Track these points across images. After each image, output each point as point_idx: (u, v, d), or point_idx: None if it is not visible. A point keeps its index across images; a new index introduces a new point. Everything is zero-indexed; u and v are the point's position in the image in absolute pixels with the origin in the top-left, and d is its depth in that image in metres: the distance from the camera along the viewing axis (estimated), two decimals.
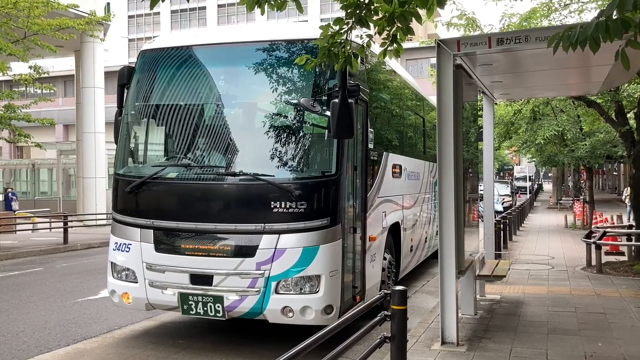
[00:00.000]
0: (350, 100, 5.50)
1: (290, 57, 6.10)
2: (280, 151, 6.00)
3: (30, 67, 16.92)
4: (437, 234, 11.33)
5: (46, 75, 17.74)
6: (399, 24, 4.44)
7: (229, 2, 63.57)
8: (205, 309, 5.82)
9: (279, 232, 5.68)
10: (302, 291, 5.65)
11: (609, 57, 3.32)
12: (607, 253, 12.02)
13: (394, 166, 8.07)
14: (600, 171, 49.73)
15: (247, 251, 5.74)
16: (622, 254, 12.21)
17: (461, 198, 6.18)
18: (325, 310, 5.64)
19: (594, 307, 7.57)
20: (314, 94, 5.88)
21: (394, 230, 8.06)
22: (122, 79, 6.66)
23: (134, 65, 6.80)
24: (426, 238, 10.75)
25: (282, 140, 6.03)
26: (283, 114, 6.16)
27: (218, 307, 5.77)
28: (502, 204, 27.96)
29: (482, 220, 8.89)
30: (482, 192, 8.95)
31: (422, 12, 4.58)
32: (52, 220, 20.17)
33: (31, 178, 35.01)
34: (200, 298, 5.84)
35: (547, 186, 62.96)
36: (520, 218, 21.23)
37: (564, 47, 3.13)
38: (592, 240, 10.88)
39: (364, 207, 6.52)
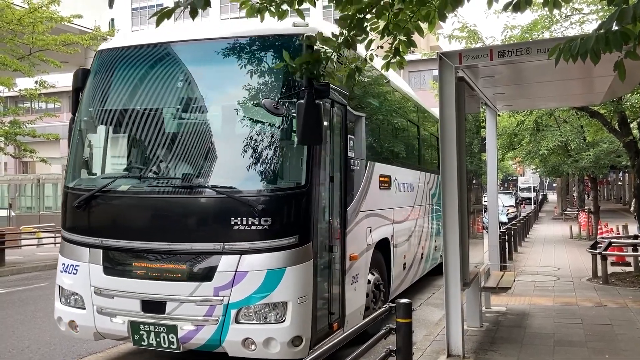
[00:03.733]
0: (318, 102, 4.85)
1: (254, 54, 5.47)
2: (241, 160, 5.32)
3: (36, 82, 17.08)
4: (435, 249, 10.89)
5: (52, 88, 17.85)
6: (400, 37, 4.50)
7: None
8: (158, 339, 5.16)
9: (240, 252, 4.99)
10: (266, 320, 4.96)
11: (611, 67, 3.34)
12: (613, 264, 11.96)
13: (382, 177, 7.40)
14: (605, 181, 49.60)
15: (203, 274, 5.08)
16: (628, 264, 12.14)
17: (465, 209, 6.16)
18: (292, 342, 4.96)
19: (600, 318, 7.52)
20: (280, 95, 5.20)
21: (383, 247, 7.35)
22: (77, 82, 6.03)
23: (89, 68, 6.16)
24: (423, 254, 10.00)
25: (244, 148, 5.33)
26: (246, 119, 5.50)
27: (172, 337, 5.10)
28: (507, 215, 27.93)
29: (487, 232, 8.87)
30: (486, 203, 8.95)
31: (423, 25, 4.63)
32: (57, 235, 20.22)
33: (36, 193, 35.14)
34: (152, 327, 5.17)
35: (552, 196, 62.78)
36: (525, 229, 21.16)
37: (565, 58, 3.16)
38: (597, 251, 10.84)
39: (342, 223, 5.85)
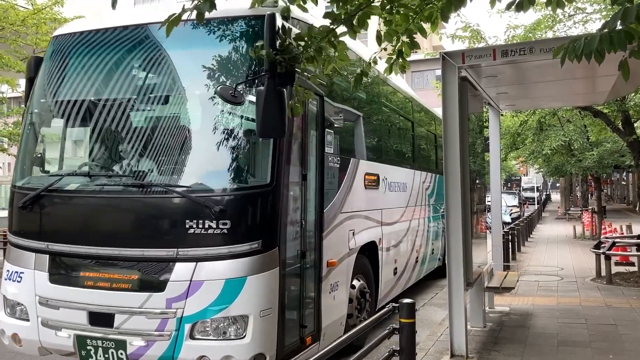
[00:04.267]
0: (280, 89, 4.26)
1: (214, 38, 4.93)
2: (197, 156, 4.86)
3: None
4: (433, 252, 10.55)
5: None
6: (403, 39, 4.48)
7: None
8: (107, 356, 4.65)
9: (196, 259, 4.47)
10: (225, 336, 4.43)
11: (615, 67, 3.34)
12: (617, 263, 11.93)
13: (368, 176, 6.90)
14: (608, 181, 49.48)
15: (155, 284, 4.55)
16: (632, 264, 12.10)
17: (468, 209, 6.16)
18: None
19: (604, 318, 7.51)
20: (240, 81, 4.65)
21: (370, 251, 6.89)
22: (30, 71, 5.52)
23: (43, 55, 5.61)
24: (418, 258, 9.48)
25: (201, 142, 4.87)
26: (203, 109, 4.98)
27: (121, 354, 4.60)
28: (510, 215, 27.86)
29: (490, 232, 8.85)
30: (489, 203, 8.93)
31: (426, 25, 4.62)
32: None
33: None
34: (99, 342, 4.65)
35: (555, 196, 62.66)
36: (528, 229, 21.12)
37: (570, 58, 3.15)
38: (601, 251, 10.82)
39: (318, 225, 5.35)
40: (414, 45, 4.62)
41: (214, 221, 4.44)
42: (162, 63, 5.03)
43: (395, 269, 8.09)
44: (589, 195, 32.14)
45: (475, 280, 6.25)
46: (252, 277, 4.45)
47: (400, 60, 4.74)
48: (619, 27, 2.94)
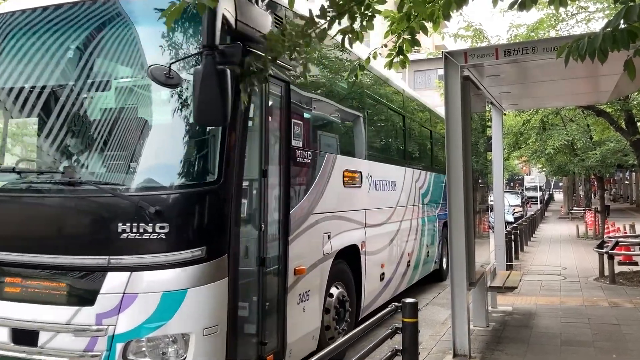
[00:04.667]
0: (221, 67, 3.66)
1: (147, 14, 4.30)
2: (131, 149, 4.24)
3: None
4: (428, 255, 10.06)
5: None
6: (404, 36, 4.49)
7: None
8: None
9: (131, 268, 3.87)
10: (163, 357, 3.88)
11: (618, 66, 3.33)
12: (620, 263, 11.91)
13: (348, 173, 6.35)
14: (611, 180, 49.42)
15: (84, 296, 3.96)
16: (636, 263, 12.09)
17: (471, 209, 6.15)
18: None
19: (607, 318, 7.49)
20: (176, 60, 4.04)
21: (351, 256, 6.37)
22: None
23: None
24: (410, 262, 8.90)
25: (135, 132, 4.27)
26: (138, 94, 4.38)
27: None
28: (513, 214, 27.83)
29: (493, 231, 8.84)
30: (492, 202, 8.92)
31: (428, 24, 4.62)
32: None
33: None
34: None
35: (558, 196, 62.57)
36: (531, 228, 21.10)
37: (574, 58, 3.14)
38: (604, 250, 10.80)
39: (283, 228, 4.80)
40: (414, 43, 4.61)
41: (150, 224, 3.86)
42: (86, 44, 4.41)
43: (383, 274, 7.51)
44: (592, 194, 32.09)
45: (477, 280, 6.24)
46: (194, 290, 3.86)
47: (401, 56, 4.74)
48: (622, 25, 2.93)
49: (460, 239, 5.63)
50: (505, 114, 11.87)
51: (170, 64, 3.88)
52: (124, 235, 3.89)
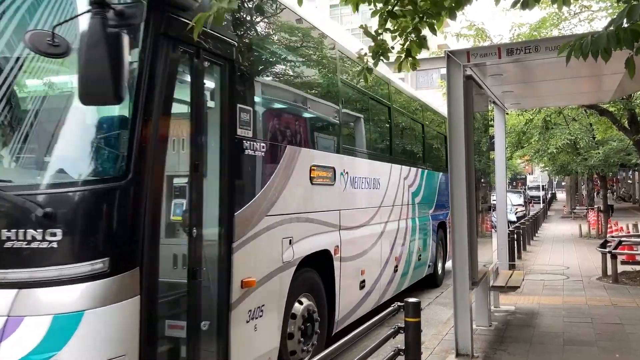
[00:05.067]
0: (114, 31, 2.98)
1: None
2: (16, 137, 3.51)
3: None
4: (420, 259, 9.33)
5: None
6: (411, 37, 4.48)
7: None
8: None
9: (17, 284, 3.11)
10: None
11: (621, 65, 3.33)
12: (623, 262, 11.88)
13: (317, 169, 5.57)
14: (614, 179, 49.34)
15: None
16: (639, 263, 12.06)
17: (474, 208, 6.14)
18: None
19: (610, 317, 7.48)
20: (59, 22, 3.23)
21: (323, 262, 5.70)
22: None
23: None
24: (397, 266, 8.15)
25: (18, 116, 3.55)
26: (17, 67, 3.57)
27: None
28: (516, 214, 27.80)
29: (496, 231, 8.83)
30: (494, 202, 8.90)
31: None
32: None
33: None
34: None
35: (561, 195, 62.48)
36: (534, 228, 21.06)
37: (576, 56, 3.14)
38: (607, 250, 10.78)
39: (225, 233, 4.05)
40: (422, 45, 4.60)
41: (39, 230, 3.12)
42: None
43: (363, 282, 6.76)
44: (595, 194, 32.05)
45: (480, 280, 6.24)
46: (94, 312, 3.10)
47: (410, 58, 4.73)
48: (625, 24, 2.93)
49: (463, 239, 5.62)
50: (507, 113, 11.87)
51: (54, 27, 3.08)
52: (9, 244, 3.14)
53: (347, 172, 6.33)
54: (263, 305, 4.49)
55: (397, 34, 4.57)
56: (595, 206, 23.80)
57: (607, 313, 7.72)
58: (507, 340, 6.36)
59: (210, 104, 4.13)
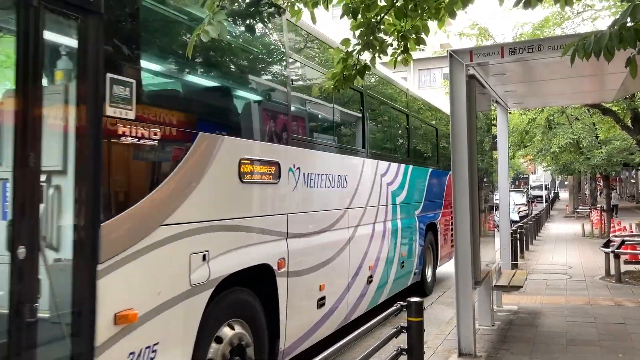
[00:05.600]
0: None
1: None
2: None
3: None
4: (402, 266, 8.23)
5: None
6: (408, 35, 4.49)
7: None
8: None
9: None
10: None
11: (624, 64, 3.32)
12: (626, 262, 11.85)
13: (249, 163, 4.44)
14: (617, 179, 49.26)
15: None
16: None
17: (476, 208, 6.14)
18: None
19: (613, 317, 7.46)
20: None
21: (264, 279, 4.67)
22: None
23: None
24: (372, 277, 7.05)
25: None
26: None
27: None
28: (518, 213, 27.76)
29: (498, 230, 8.82)
30: (497, 201, 8.89)
31: (433, 23, 4.62)
32: None
33: None
34: None
35: (564, 194, 62.38)
36: (536, 227, 21.03)
37: (579, 56, 3.13)
38: (610, 249, 10.76)
39: (88, 251, 3.02)
40: (419, 42, 4.61)
41: None
42: None
43: (322, 299, 5.65)
44: (598, 193, 32.01)
45: (483, 279, 6.23)
46: None
47: (405, 54, 4.74)
48: (629, 24, 2.92)
49: (465, 238, 5.62)
50: (510, 113, 11.84)
51: None
52: None
53: (298, 168, 5.20)
54: (156, 344, 3.43)
55: (394, 33, 4.57)
56: (599, 205, 23.76)
57: (610, 313, 7.71)
58: (510, 340, 6.36)
59: (64, 72, 3.17)
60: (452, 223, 10.33)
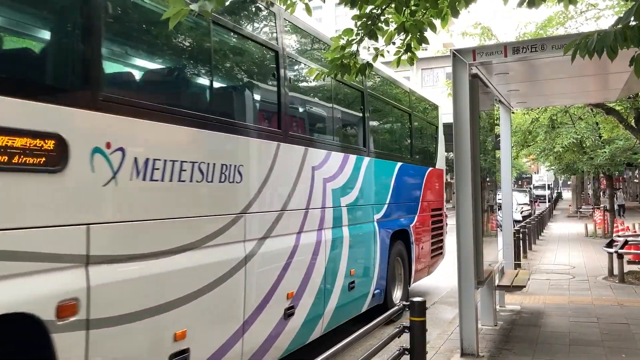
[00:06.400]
0: None
1: None
2: None
3: None
4: (352, 287, 6.39)
5: None
6: (411, 34, 4.48)
7: None
8: None
9: None
10: None
11: (627, 64, 3.31)
12: (629, 262, 11.81)
13: None
14: (620, 178, 49.16)
15: None
16: None
17: (479, 207, 6.12)
18: None
19: (616, 317, 7.44)
20: None
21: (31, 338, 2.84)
22: None
23: None
24: (291, 309, 5.12)
25: None
26: None
27: None
28: (521, 213, 27.72)
29: (501, 230, 8.81)
30: (500, 201, 8.87)
31: (436, 21, 4.61)
32: None
33: None
34: None
35: (567, 194, 62.29)
36: (539, 227, 21.00)
37: (581, 55, 3.12)
38: (613, 249, 10.73)
39: None
40: (422, 40, 4.61)
41: None
42: None
43: (183, 353, 3.75)
44: (601, 193, 31.96)
45: (485, 279, 6.22)
46: None
47: (409, 53, 4.73)
48: (632, 23, 2.91)
49: (467, 238, 5.61)
50: (513, 112, 11.82)
51: None
52: None
53: (121, 149, 3.35)
54: None
55: (396, 31, 4.57)
56: (602, 205, 23.71)
57: (613, 313, 7.69)
58: (512, 340, 6.34)
59: None
60: (433, 229, 9.70)
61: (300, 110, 5.98)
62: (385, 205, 7.68)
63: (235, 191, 4.46)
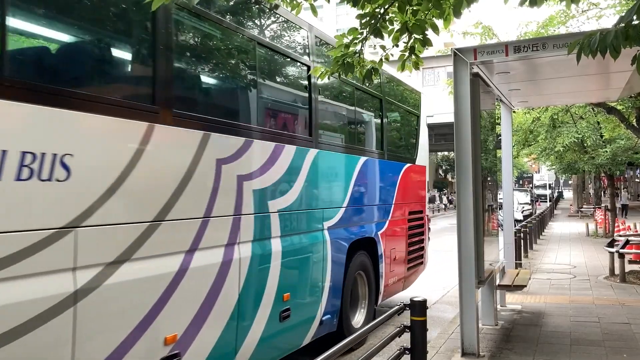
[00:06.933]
0: None
1: None
2: None
3: None
4: (282, 319, 4.88)
5: None
6: (415, 35, 4.47)
7: None
8: None
9: None
10: None
11: (629, 63, 3.30)
12: (630, 262, 11.81)
13: None
14: (621, 178, 49.12)
15: None
16: None
17: (480, 207, 6.11)
18: None
19: (617, 317, 7.43)
20: None
21: None
22: None
23: None
24: (178, 354, 3.72)
25: None
26: None
27: None
28: (522, 213, 27.71)
29: (502, 229, 8.80)
30: (501, 200, 8.86)
31: (438, 22, 4.60)
32: None
33: None
34: None
35: (568, 194, 62.24)
36: (540, 226, 20.98)
37: (585, 54, 3.11)
38: (614, 249, 10.72)
39: None
40: (425, 42, 4.59)
41: None
42: None
43: None
44: (602, 192, 31.94)
45: (486, 278, 6.21)
46: None
47: (413, 57, 4.72)
48: (634, 21, 2.90)
49: (468, 237, 5.60)
50: (514, 112, 11.80)
51: None
52: None
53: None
54: None
55: (398, 33, 4.56)
56: (603, 205, 23.70)
57: (614, 312, 7.68)
58: (513, 340, 6.34)
59: None
60: (411, 235, 8.32)
61: (191, 74, 4.26)
62: (341, 210, 6.25)
63: (59, 194, 2.96)
